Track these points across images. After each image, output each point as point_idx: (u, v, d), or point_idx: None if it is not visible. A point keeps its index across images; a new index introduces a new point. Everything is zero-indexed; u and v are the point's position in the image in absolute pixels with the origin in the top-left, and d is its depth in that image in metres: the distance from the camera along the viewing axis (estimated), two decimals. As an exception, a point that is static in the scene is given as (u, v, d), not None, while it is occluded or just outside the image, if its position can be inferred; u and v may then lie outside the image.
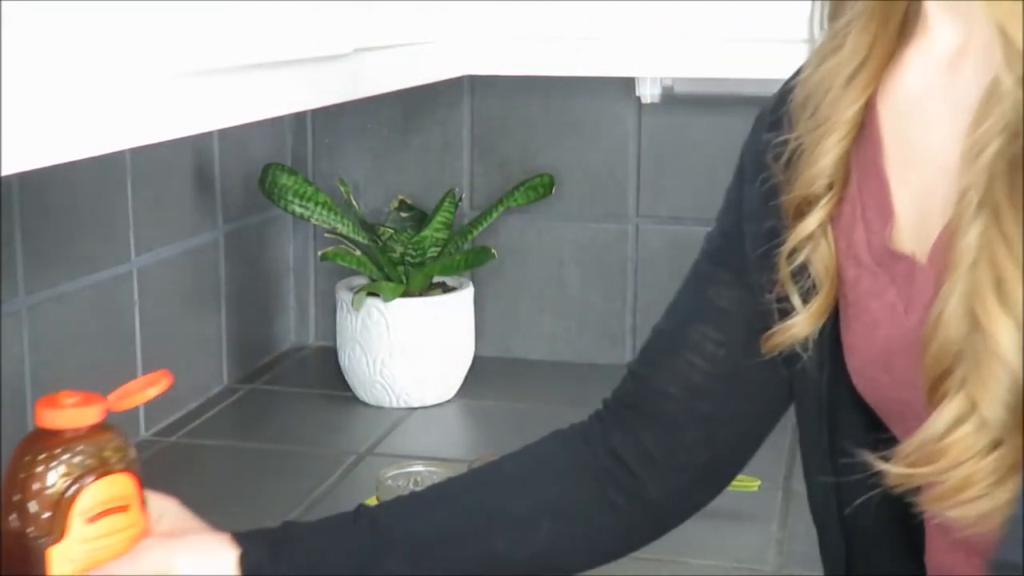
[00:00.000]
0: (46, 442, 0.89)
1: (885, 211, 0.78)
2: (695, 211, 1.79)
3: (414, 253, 1.66)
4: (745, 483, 1.30)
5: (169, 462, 1.49)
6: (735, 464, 0.94)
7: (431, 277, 1.71)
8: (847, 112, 0.78)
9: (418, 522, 0.91)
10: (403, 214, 1.77)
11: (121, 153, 1.45)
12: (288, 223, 1.91)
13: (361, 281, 1.71)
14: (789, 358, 0.85)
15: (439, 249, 1.68)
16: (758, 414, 0.92)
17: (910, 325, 0.75)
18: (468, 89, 1.85)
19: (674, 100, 1.77)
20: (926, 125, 0.76)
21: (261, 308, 1.86)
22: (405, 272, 1.67)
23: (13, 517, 0.88)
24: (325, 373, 1.79)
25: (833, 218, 0.81)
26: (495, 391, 1.74)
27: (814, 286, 0.81)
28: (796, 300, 0.82)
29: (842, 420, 0.84)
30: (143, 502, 0.94)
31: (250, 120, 0.97)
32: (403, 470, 1.28)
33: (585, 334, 1.87)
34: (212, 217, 1.69)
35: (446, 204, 1.68)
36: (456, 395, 1.72)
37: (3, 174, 0.67)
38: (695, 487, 0.94)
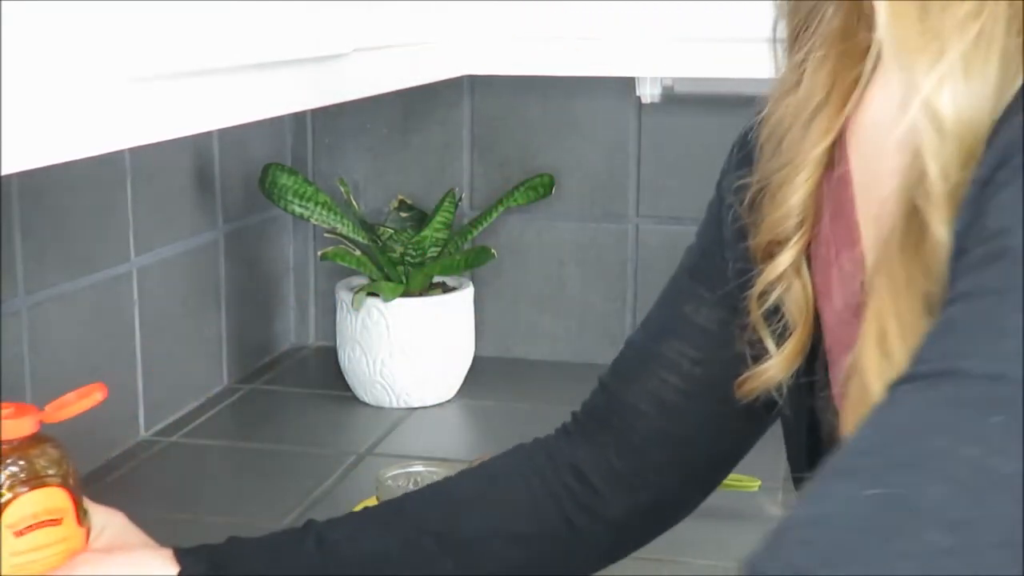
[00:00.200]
0: None
1: (857, 257, 0.75)
2: (695, 211, 1.77)
3: (414, 253, 1.66)
4: (745, 483, 1.30)
5: (169, 462, 1.49)
6: (707, 484, 0.92)
7: (431, 277, 1.71)
8: (812, 152, 0.76)
9: (365, 542, 0.89)
10: (403, 214, 1.78)
11: (121, 153, 1.45)
12: (288, 223, 1.91)
13: (361, 281, 1.71)
14: (766, 402, 0.83)
15: (439, 249, 1.68)
16: (733, 436, 0.90)
17: None
18: (468, 89, 1.85)
19: (674, 100, 1.77)
20: (885, 166, 0.74)
21: (261, 308, 1.86)
22: (405, 272, 1.67)
23: None
24: (325, 373, 1.79)
25: (810, 257, 0.79)
26: (495, 391, 1.74)
27: (787, 328, 0.79)
28: (770, 344, 0.80)
29: (824, 449, 0.83)
30: (79, 516, 0.93)
31: (250, 120, 0.97)
32: (403, 470, 1.28)
33: (585, 334, 1.87)
34: (212, 217, 1.69)
35: (446, 204, 1.68)
36: (456, 395, 1.72)
37: (3, 174, 0.67)
38: (663, 508, 0.92)
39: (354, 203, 1.74)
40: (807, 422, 0.82)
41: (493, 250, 1.69)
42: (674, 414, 0.88)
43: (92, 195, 1.42)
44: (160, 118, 0.84)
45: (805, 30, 0.77)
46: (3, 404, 0.89)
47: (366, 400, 1.69)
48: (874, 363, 0.63)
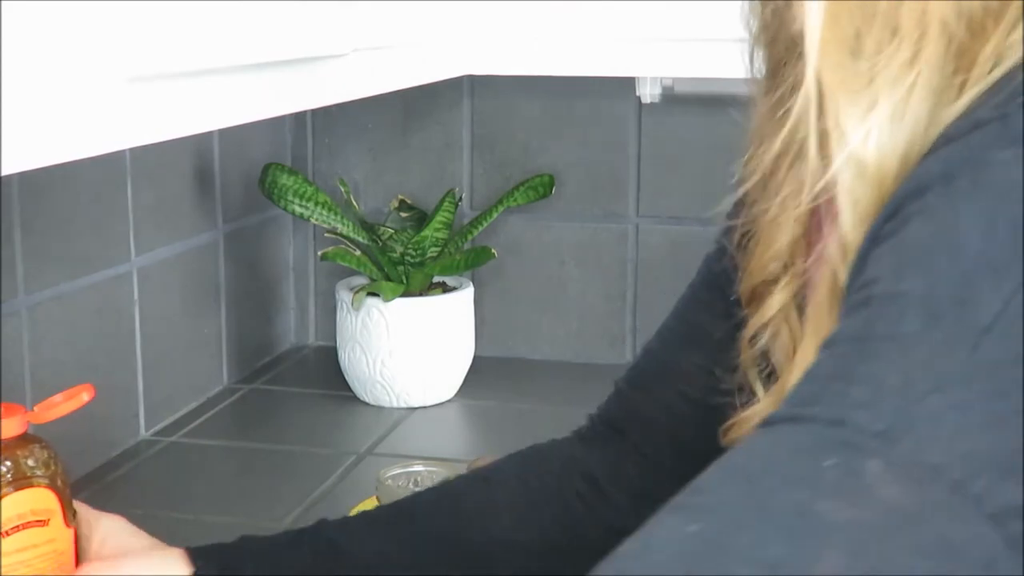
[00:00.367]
0: None
1: None
2: (695, 211, 1.79)
3: (414, 253, 1.66)
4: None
5: (169, 462, 1.49)
6: None
7: (431, 277, 1.71)
8: (796, 196, 0.74)
9: (375, 545, 0.89)
10: (403, 214, 1.78)
11: (121, 153, 1.45)
12: (288, 223, 1.91)
13: (361, 281, 1.71)
14: None
15: (439, 249, 1.68)
16: None
17: None
18: (468, 89, 1.85)
19: (674, 100, 1.77)
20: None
21: (261, 308, 1.86)
22: (405, 272, 1.67)
23: None
24: (325, 373, 1.79)
25: (804, 301, 0.77)
26: (495, 391, 1.74)
27: (774, 372, 0.79)
28: (759, 388, 0.80)
29: None
30: (67, 518, 0.93)
31: (250, 120, 0.97)
32: (403, 470, 1.28)
33: (585, 334, 1.87)
34: (212, 217, 1.69)
35: (446, 204, 1.68)
36: (456, 395, 1.72)
37: (3, 174, 0.67)
38: None
39: (354, 203, 1.74)
40: None
41: (493, 250, 1.69)
42: (690, 425, 0.88)
43: (92, 195, 1.42)
44: (160, 118, 0.84)
45: (783, 67, 0.76)
46: None
47: (366, 400, 1.69)
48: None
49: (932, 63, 0.60)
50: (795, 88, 0.70)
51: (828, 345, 0.56)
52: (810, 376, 0.55)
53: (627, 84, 1.77)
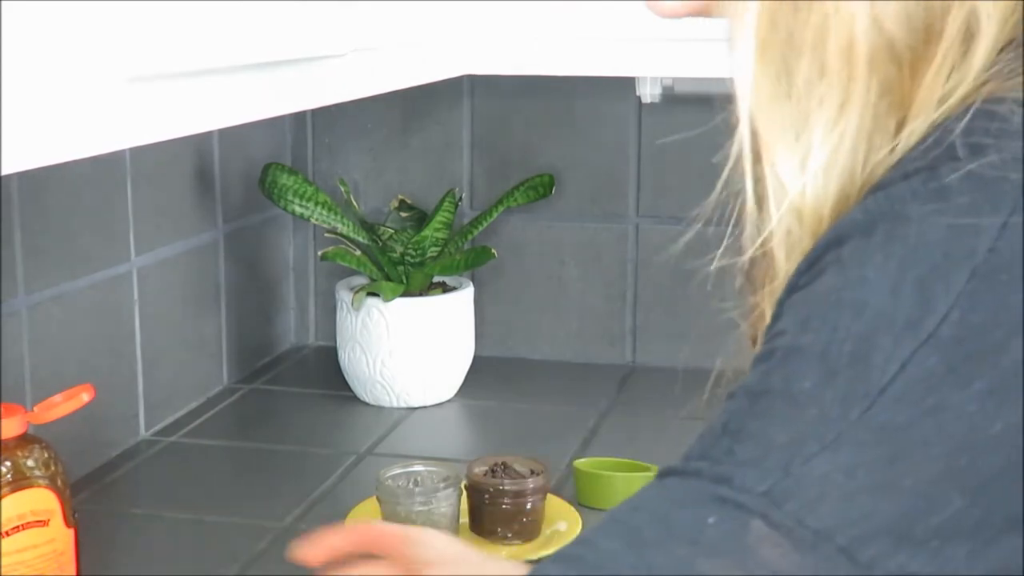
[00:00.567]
0: None
1: None
2: (695, 211, 1.78)
3: (414, 253, 1.66)
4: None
5: (169, 462, 1.49)
6: None
7: (431, 277, 1.71)
8: None
9: None
10: (403, 214, 1.77)
11: (121, 153, 1.45)
12: (288, 223, 1.91)
13: (361, 281, 1.71)
14: None
15: (439, 249, 1.68)
16: None
17: None
18: (468, 89, 1.85)
19: (674, 100, 1.77)
20: None
21: (261, 308, 1.86)
22: (405, 272, 1.67)
23: None
24: (325, 373, 1.79)
25: None
26: (495, 391, 1.74)
27: None
28: None
29: None
30: (66, 518, 0.93)
31: (250, 120, 0.97)
32: (403, 470, 1.28)
33: (585, 334, 1.87)
34: (212, 217, 1.69)
35: (446, 204, 1.68)
36: (456, 395, 1.72)
37: (3, 174, 0.67)
38: None
39: (354, 203, 1.74)
40: None
41: (493, 250, 1.69)
42: None
43: (92, 195, 1.42)
44: (160, 118, 0.84)
45: None
46: None
47: (366, 400, 1.69)
48: None
49: (863, 104, 0.58)
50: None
51: (728, 398, 0.55)
52: (707, 430, 0.55)
53: (627, 84, 1.76)
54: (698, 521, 0.51)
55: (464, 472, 1.28)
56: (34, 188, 1.30)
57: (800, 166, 0.59)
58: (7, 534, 0.89)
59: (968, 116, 0.55)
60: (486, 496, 1.26)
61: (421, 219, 1.74)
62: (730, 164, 0.65)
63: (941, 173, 0.53)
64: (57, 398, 0.97)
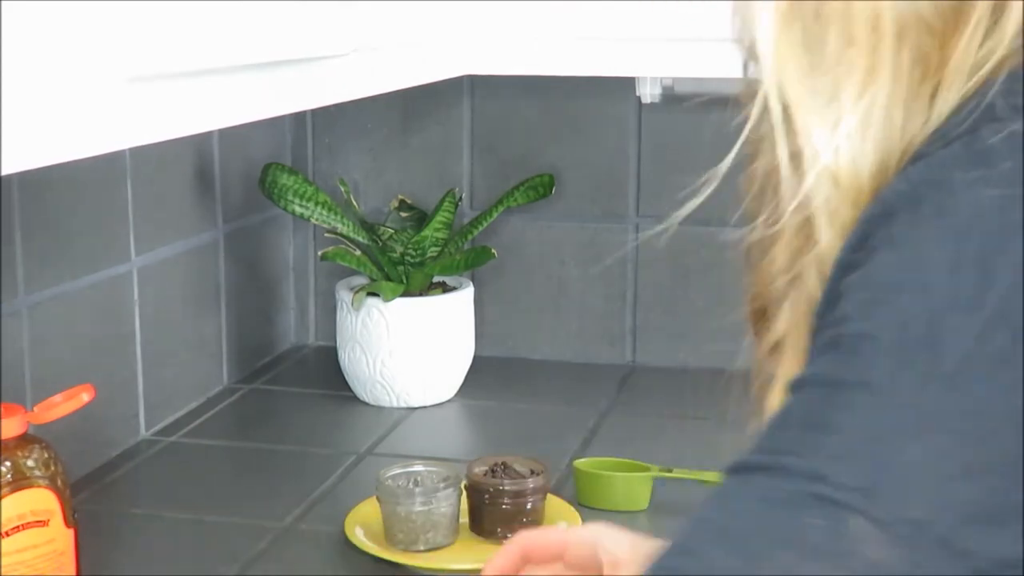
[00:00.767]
0: None
1: None
2: (695, 211, 1.78)
3: (414, 253, 1.66)
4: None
5: (169, 462, 1.49)
6: None
7: (431, 277, 1.71)
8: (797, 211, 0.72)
9: None
10: (403, 214, 1.77)
11: (121, 153, 1.45)
12: (288, 223, 1.91)
13: (361, 281, 1.71)
14: None
15: (439, 249, 1.68)
16: None
17: None
18: (468, 89, 1.85)
19: (674, 100, 1.77)
20: None
21: (261, 308, 1.86)
22: (405, 272, 1.67)
23: None
24: (325, 373, 1.79)
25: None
26: (495, 391, 1.74)
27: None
28: (766, 407, 0.79)
29: None
30: (67, 518, 0.93)
31: (250, 120, 0.97)
32: (403, 470, 1.28)
33: (585, 334, 1.87)
34: (212, 217, 1.69)
35: (446, 204, 1.68)
36: (456, 395, 1.72)
37: (3, 174, 0.67)
38: None
39: (354, 203, 1.74)
40: None
41: (493, 250, 1.69)
42: None
43: (92, 195, 1.42)
44: (160, 118, 0.84)
45: None
46: None
47: (366, 400, 1.69)
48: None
49: (893, 71, 0.58)
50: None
51: (799, 387, 0.55)
52: (782, 421, 0.54)
53: (627, 84, 1.76)
54: (798, 522, 0.50)
55: (464, 472, 1.28)
56: (34, 188, 1.30)
57: (832, 131, 0.59)
58: (7, 534, 0.89)
59: (1006, 80, 0.55)
60: (486, 496, 1.26)
61: (421, 219, 1.74)
62: (748, 127, 0.65)
63: (983, 135, 0.53)
64: (57, 398, 0.97)
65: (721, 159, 0.90)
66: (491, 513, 1.26)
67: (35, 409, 0.96)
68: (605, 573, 0.86)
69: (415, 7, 1.30)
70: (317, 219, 1.66)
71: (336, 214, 1.66)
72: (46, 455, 0.94)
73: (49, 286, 1.35)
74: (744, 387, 0.81)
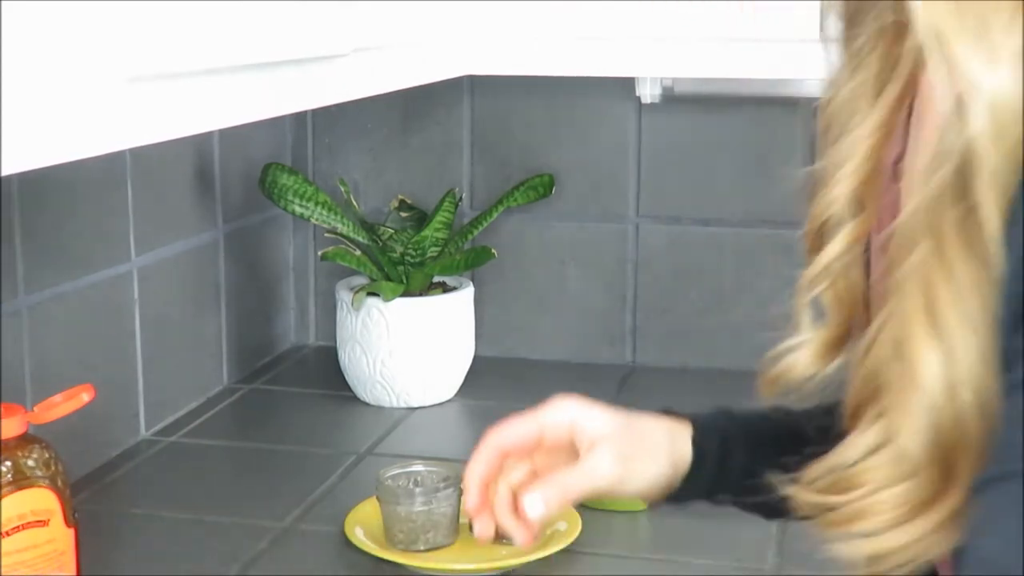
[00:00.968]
0: None
1: None
2: (695, 211, 1.79)
3: (414, 253, 1.66)
4: (745, 483, 1.30)
5: (169, 462, 1.49)
6: None
7: (431, 277, 1.71)
8: (865, 141, 0.75)
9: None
10: (403, 214, 1.77)
11: (121, 153, 1.45)
12: (288, 223, 1.91)
13: (361, 281, 1.71)
14: None
15: (439, 249, 1.68)
16: None
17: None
18: (468, 89, 1.85)
19: (674, 100, 1.77)
20: (918, 150, 0.73)
21: (261, 308, 1.86)
22: (405, 272, 1.67)
23: None
24: (325, 373, 1.79)
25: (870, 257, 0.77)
26: (495, 391, 1.74)
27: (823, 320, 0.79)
28: (804, 325, 0.79)
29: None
30: (67, 518, 0.93)
31: (250, 120, 0.97)
32: (403, 470, 1.28)
33: (585, 334, 1.87)
34: (212, 217, 1.69)
35: (446, 204, 1.68)
36: (456, 395, 1.72)
37: (3, 174, 0.67)
38: None
39: (354, 203, 1.74)
40: None
41: (493, 250, 1.69)
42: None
43: (92, 195, 1.42)
44: (160, 118, 0.84)
45: (859, 17, 0.76)
46: None
47: (366, 400, 1.69)
48: (922, 332, 0.60)
49: None
50: (866, 42, 0.72)
51: (1015, 389, 0.55)
52: (1012, 426, 0.55)
53: (627, 84, 1.77)
54: None
55: (464, 472, 1.28)
56: (34, 188, 1.30)
57: (989, 66, 0.59)
58: (7, 534, 0.89)
59: None
60: (486, 496, 1.26)
61: (421, 219, 1.74)
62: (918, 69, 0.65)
63: None
64: (57, 398, 0.97)
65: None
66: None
67: (35, 409, 0.96)
68: (582, 455, 0.87)
69: (415, 7, 1.30)
70: (317, 219, 1.66)
71: (336, 214, 1.66)
72: (46, 455, 0.94)
73: (49, 286, 1.35)
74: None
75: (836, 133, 0.77)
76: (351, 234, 1.67)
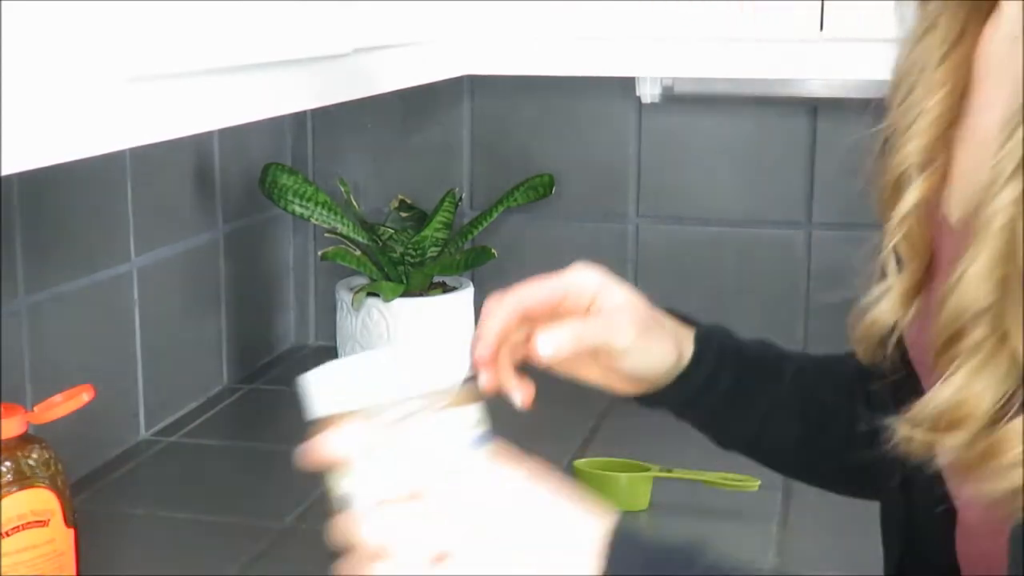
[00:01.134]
0: None
1: None
2: (695, 211, 1.79)
3: (414, 253, 1.66)
4: (745, 483, 1.30)
5: (169, 462, 1.49)
6: None
7: (431, 277, 1.71)
8: (938, 93, 0.77)
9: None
10: (403, 214, 1.77)
11: (121, 153, 1.45)
12: (288, 223, 1.91)
13: (361, 281, 1.71)
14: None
15: (439, 249, 1.68)
16: None
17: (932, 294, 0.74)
18: (468, 89, 1.85)
19: (674, 100, 1.77)
20: (990, 101, 0.74)
21: (261, 308, 1.86)
22: (405, 272, 1.67)
23: None
24: (325, 373, 1.79)
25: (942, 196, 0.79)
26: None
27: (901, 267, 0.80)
28: (891, 272, 0.81)
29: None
30: (67, 518, 0.93)
31: (250, 120, 0.97)
32: (403, 470, 1.28)
33: (585, 334, 1.87)
34: (212, 217, 1.69)
35: (446, 204, 1.68)
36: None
37: (3, 174, 0.67)
38: None
39: (354, 203, 1.74)
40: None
41: (493, 250, 1.69)
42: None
43: (92, 195, 1.42)
44: (160, 118, 0.84)
45: None
46: None
47: (366, 400, 1.69)
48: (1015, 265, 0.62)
49: None
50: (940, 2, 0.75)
51: None
52: None
53: (627, 84, 1.76)
54: None
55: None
56: (34, 188, 1.30)
57: None
58: (7, 534, 0.89)
59: None
60: (486, 496, 1.26)
61: (421, 219, 1.74)
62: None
63: None
64: (57, 398, 0.97)
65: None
66: (491, 513, 1.26)
67: (35, 409, 0.96)
68: (605, 313, 0.91)
69: (415, 7, 1.30)
70: (317, 219, 1.66)
71: (336, 214, 1.66)
72: (46, 455, 0.94)
73: (49, 286, 1.35)
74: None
75: (905, 90, 0.79)
76: (351, 234, 1.67)
